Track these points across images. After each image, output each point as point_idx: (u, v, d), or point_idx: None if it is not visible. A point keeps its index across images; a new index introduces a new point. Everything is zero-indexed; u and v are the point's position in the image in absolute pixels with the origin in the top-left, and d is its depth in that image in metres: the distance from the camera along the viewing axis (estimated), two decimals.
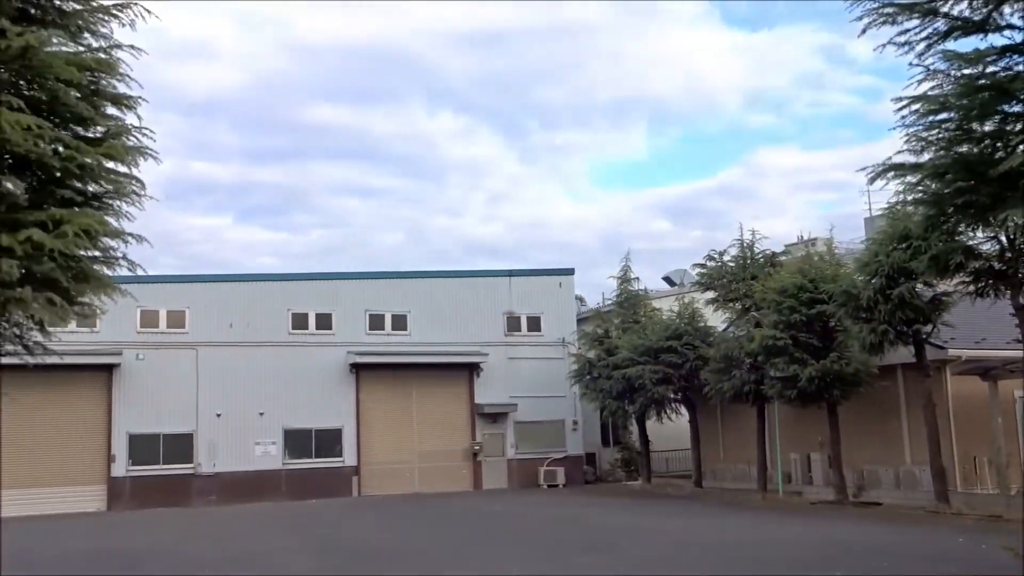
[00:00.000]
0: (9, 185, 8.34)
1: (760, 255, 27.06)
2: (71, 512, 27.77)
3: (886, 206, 17.54)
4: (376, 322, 33.83)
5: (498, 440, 34.52)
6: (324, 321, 33.12)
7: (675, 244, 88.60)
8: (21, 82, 8.42)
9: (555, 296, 36.46)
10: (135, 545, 18.57)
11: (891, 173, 10.77)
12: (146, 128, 9.45)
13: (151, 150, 9.45)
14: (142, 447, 29.99)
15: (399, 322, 34.13)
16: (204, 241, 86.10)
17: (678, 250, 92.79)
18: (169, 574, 14.27)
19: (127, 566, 15.32)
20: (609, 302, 35.12)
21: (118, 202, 9.56)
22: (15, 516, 24.52)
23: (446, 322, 34.45)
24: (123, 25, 9.15)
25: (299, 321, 32.82)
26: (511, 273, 36.53)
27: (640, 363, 28.47)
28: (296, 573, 13.84)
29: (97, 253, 9.36)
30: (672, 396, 29.55)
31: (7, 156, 8.32)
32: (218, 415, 30.93)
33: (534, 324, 35.98)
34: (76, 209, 8.54)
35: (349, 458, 32.35)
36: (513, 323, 35.69)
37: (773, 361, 22.80)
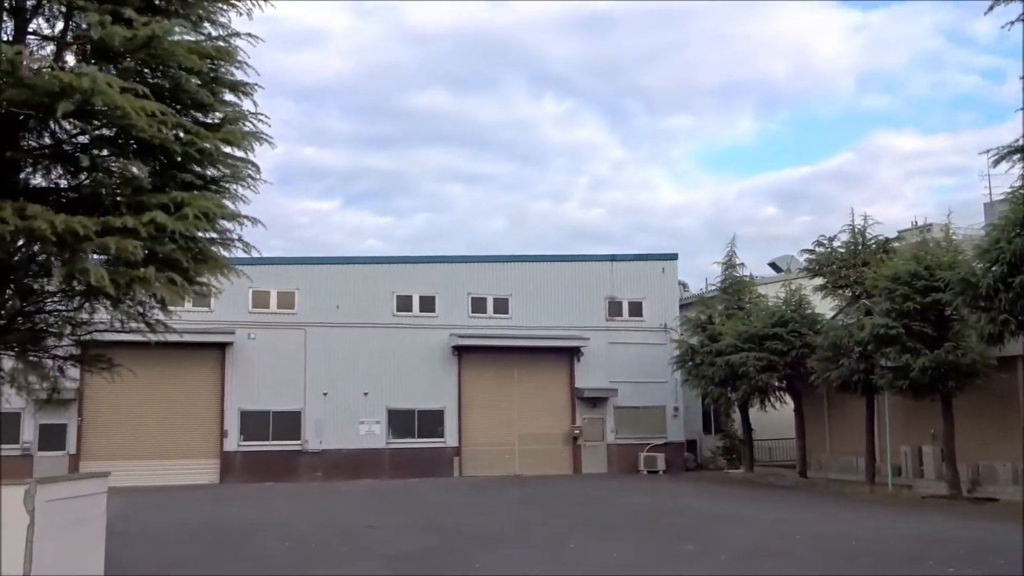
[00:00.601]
0: (134, 169, 8.74)
1: (872, 241, 26.22)
2: (186, 484, 28.98)
3: (1009, 190, 16.74)
4: (478, 305, 34.17)
5: (598, 425, 34.48)
6: (428, 304, 33.63)
7: (782, 230, 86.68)
8: (146, 70, 8.79)
9: (658, 281, 36.14)
10: (247, 518, 19.27)
11: (1016, 156, 10.30)
12: (261, 114, 9.77)
13: (266, 135, 9.76)
14: (253, 423, 31.08)
15: (501, 306, 34.39)
16: (313, 225, 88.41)
17: (785, 236, 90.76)
18: (280, 546, 14.74)
19: (240, 538, 15.91)
20: (713, 288, 34.59)
21: (234, 186, 9.90)
22: (135, 486, 25.75)
23: (547, 306, 34.55)
24: (240, 14, 9.46)
25: (403, 303, 33.41)
26: (613, 258, 36.34)
27: (744, 350, 27.98)
28: (400, 550, 14.13)
29: (214, 235, 9.71)
30: (776, 384, 28.96)
31: (132, 141, 8.71)
32: (324, 394, 31.79)
33: (636, 309, 35.76)
34: (196, 192, 8.88)
35: (451, 439, 32.83)
36: (615, 308, 35.53)
37: (884, 351, 22.10)
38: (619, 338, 35.13)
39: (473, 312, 34.07)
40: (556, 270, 35.43)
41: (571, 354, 34.48)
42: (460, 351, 33.26)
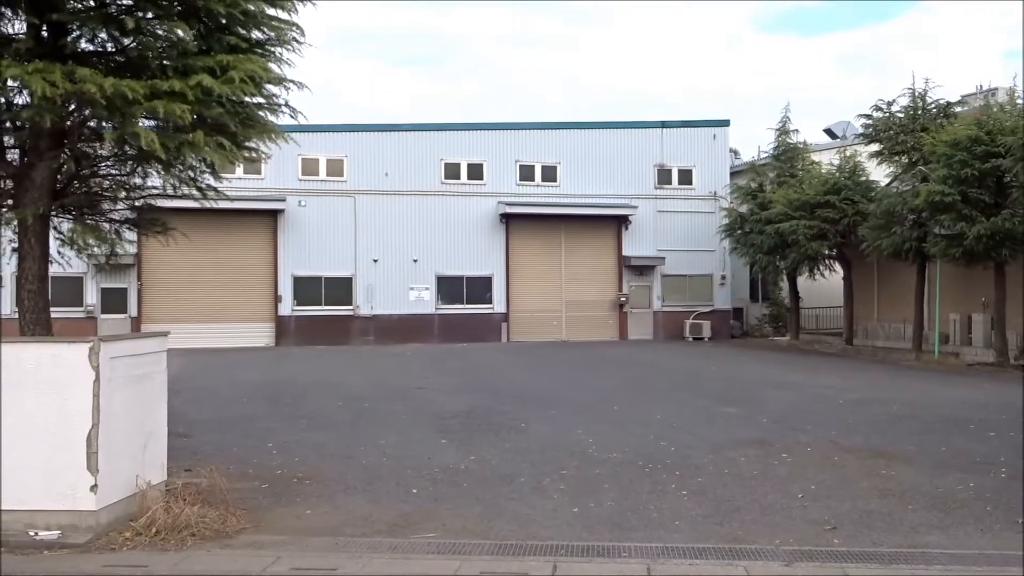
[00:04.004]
0: (179, 32, 8.69)
1: (932, 105, 25.35)
2: (242, 347, 29.98)
3: None
4: (526, 173, 34.02)
5: (644, 292, 34.69)
6: (475, 171, 33.58)
7: (839, 96, 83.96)
8: None
9: (708, 148, 35.54)
10: (301, 379, 19.97)
11: None
12: None
13: None
14: (305, 289, 31.84)
15: (549, 173, 34.21)
16: (360, 91, 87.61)
17: (842, 103, 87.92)
18: (334, 405, 15.32)
19: (296, 397, 16.55)
20: (765, 155, 33.97)
21: (279, 49, 9.82)
22: (194, 348, 26.69)
23: (596, 174, 34.30)
24: None
25: (451, 171, 33.40)
26: (663, 124, 35.69)
27: (795, 218, 27.64)
28: (449, 409, 14.61)
29: (261, 99, 9.70)
30: (826, 252, 28.71)
31: (176, 4, 8.65)
32: (375, 260, 32.31)
33: (685, 177, 35.34)
34: (241, 55, 8.83)
35: (499, 305, 33.32)
36: (664, 175, 35.15)
37: (939, 218, 21.71)
38: (668, 206, 34.89)
39: (521, 180, 33.96)
40: (605, 137, 34.95)
41: (619, 222, 34.40)
42: (508, 219, 33.35)
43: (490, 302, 33.40)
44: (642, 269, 34.48)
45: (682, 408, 14.70)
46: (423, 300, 32.87)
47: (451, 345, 30.94)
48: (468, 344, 31.13)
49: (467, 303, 33.26)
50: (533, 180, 34.10)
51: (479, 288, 33.39)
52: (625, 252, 34.39)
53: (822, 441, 11.34)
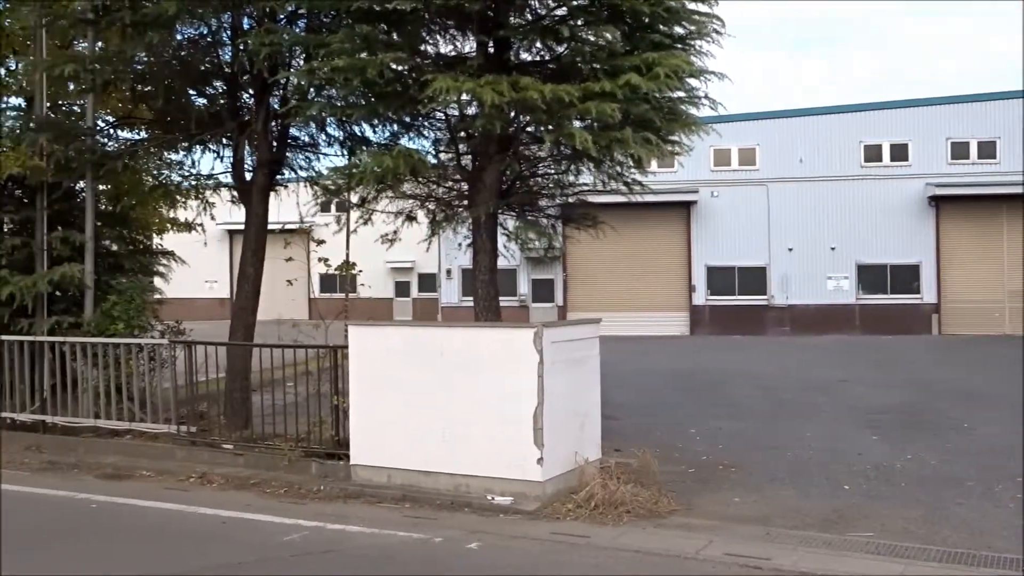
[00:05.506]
0: (607, 35, 9.17)
1: None
2: (658, 335, 30.83)
3: None
4: (959, 151, 31.05)
5: None
6: (899, 152, 31.34)
7: None
8: None
9: None
10: (717, 367, 20.08)
11: None
12: None
13: None
14: (718, 279, 31.93)
15: (987, 149, 30.90)
16: (764, 78, 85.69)
17: None
18: (752, 394, 15.22)
19: (713, 385, 16.69)
20: None
21: (699, 42, 9.96)
22: (612, 335, 27.93)
23: None
24: None
25: (872, 153, 31.51)
26: None
27: None
28: (876, 404, 13.83)
29: (682, 93, 9.92)
30: None
31: (604, 8, 9.13)
32: (789, 249, 31.48)
33: None
34: (664, 52, 9.08)
35: (927, 295, 30.82)
36: None
37: None
38: None
39: (953, 159, 31.03)
40: None
41: None
42: (937, 201, 30.65)
43: (917, 292, 30.96)
44: None
45: None
46: (842, 290, 31.38)
47: (873, 337, 29.17)
48: (892, 336, 29.13)
49: (891, 292, 31.15)
50: (967, 158, 30.98)
51: (904, 276, 31.09)
52: None
53: None
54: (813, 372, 18.86)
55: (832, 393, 15.28)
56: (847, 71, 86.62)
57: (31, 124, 11.55)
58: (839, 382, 16.87)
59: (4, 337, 11.22)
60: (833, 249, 31.29)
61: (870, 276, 31.31)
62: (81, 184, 12.09)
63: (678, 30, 9.85)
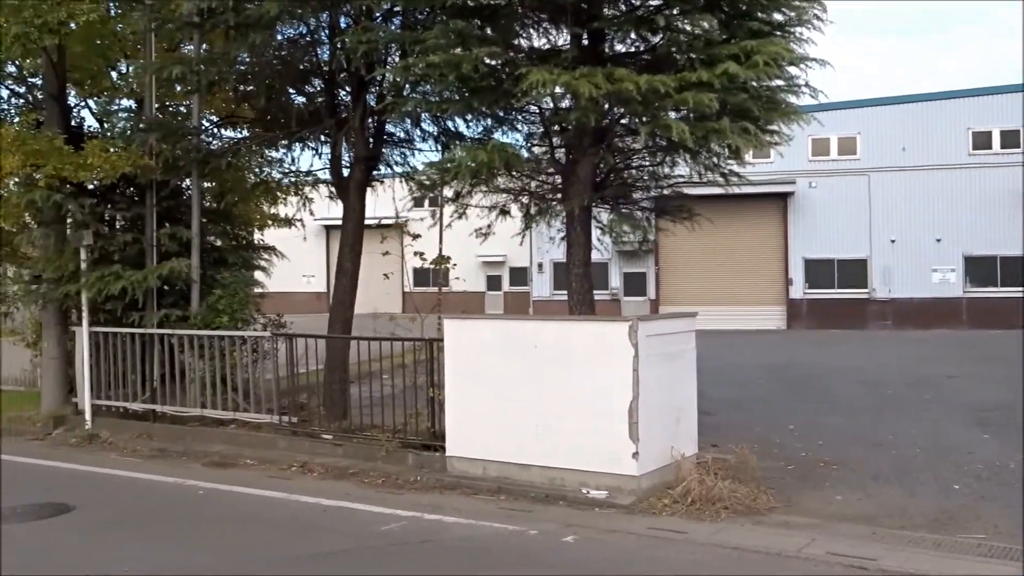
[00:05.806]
0: (704, 23, 9.02)
1: None
2: (754, 329, 30.24)
3: None
4: None
5: None
6: (1011, 139, 30.01)
7: None
8: None
9: None
10: (816, 362, 19.57)
11: None
12: None
13: None
14: (817, 271, 31.14)
15: None
16: (865, 64, 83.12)
17: None
18: (854, 390, 14.80)
19: (812, 380, 16.27)
20: None
21: (799, 29, 9.71)
22: (707, 330, 27.52)
23: None
24: None
25: (980, 140, 30.24)
26: None
27: None
28: (986, 401, 13.28)
29: (781, 82, 9.69)
30: None
31: None
32: (892, 241, 30.51)
33: None
34: (763, 39, 8.88)
35: None
36: None
37: None
38: None
39: None
40: None
41: None
42: None
43: None
44: None
45: None
46: (948, 282, 30.22)
47: (981, 331, 28.02)
48: (1002, 331, 27.93)
49: (1001, 286, 29.86)
50: None
51: (1014, 269, 29.75)
52: None
53: None
54: (918, 367, 18.23)
55: (939, 389, 14.74)
56: (951, 56, 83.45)
57: (141, 125, 12.00)
58: (947, 378, 16.25)
59: (118, 330, 11.72)
60: (939, 240, 30.17)
61: (978, 268, 30.08)
62: (187, 182, 12.52)
63: (777, 17, 9.63)
